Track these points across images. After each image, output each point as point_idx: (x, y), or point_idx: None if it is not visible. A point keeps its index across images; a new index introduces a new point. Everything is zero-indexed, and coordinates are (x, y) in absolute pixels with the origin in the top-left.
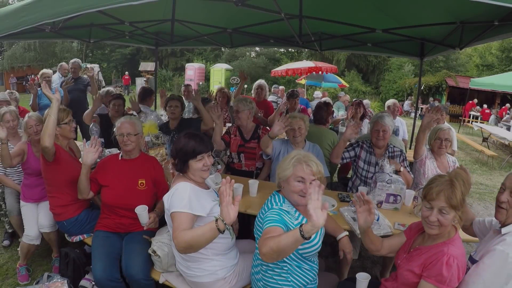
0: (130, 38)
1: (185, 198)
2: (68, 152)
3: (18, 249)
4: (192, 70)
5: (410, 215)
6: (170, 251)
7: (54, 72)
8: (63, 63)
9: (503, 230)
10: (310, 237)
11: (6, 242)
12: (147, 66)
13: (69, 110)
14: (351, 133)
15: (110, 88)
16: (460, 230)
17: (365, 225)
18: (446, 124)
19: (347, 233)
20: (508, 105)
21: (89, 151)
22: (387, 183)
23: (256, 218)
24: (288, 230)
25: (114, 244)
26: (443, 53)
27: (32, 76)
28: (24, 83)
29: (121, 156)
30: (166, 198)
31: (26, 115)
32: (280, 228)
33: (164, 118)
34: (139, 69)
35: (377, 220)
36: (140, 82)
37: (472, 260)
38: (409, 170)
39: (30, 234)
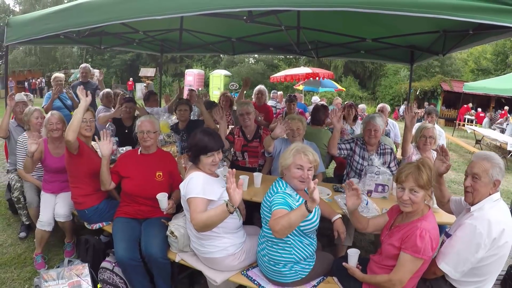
0: (138, 45)
1: (199, 185)
2: (90, 148)
3: (35, 239)
4: (192, 76)
5: (397, 203)
6: (186, 233)
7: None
8: (99, 75)
9: (472, 208)
10: (312, 210)
11: (22, 234)
12: (147, 71)
13: (92, 110)
14: (337, 121)
15: (110, 90)
16: (437, 212)
17: (352, 207)
18: (433, 124)
19: (340, 215)
20: (507, 108)
21: (103, 144)
22: (376, 174)
23: (264, 199)
24: (291, 210)
25: (134, 228)
26: (429, 59)
27: (33, 80)
28: (26, 87)
29: (140, 151)
30: (182, 186)
31: (49, 113)
32: (285, 209)
33: None
34: (139, 74)
35: (366, 204)
36: (140, 88)
37: (447, 235)
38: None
39: (43, 220)
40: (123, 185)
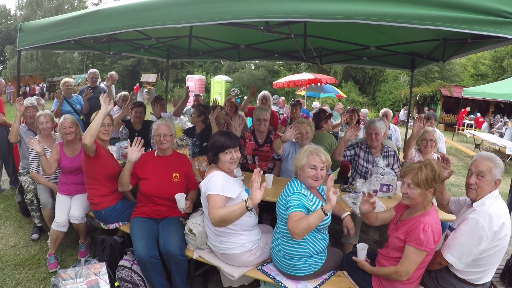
0: (145, 50)
1: (218, 183)
2: (107, 151)
3: (48, 241)
4: (193, 82)
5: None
6: (203, 231)
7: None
8: (113, 73)
9: (475, 204)
10: (328, 213)
11: (35, 236)
12: (149, 77)
13: (111, 115)
14: (351, 135)
15: (127, 93)
16: (437, 210)
17: (364, 212)
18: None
19: (349, 213)
20: None
21: (133, 150)
22: (381, 175)
23: (279, 197)
24: (307, 211)
25: (152, 227)
26: (429, 65)
27: (32, 85)
28: (28, 92)
29: (157, 153)
30: (203, 183)
31: (62, 117)
32: (302, 212)
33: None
34: (141, 80)
35: None
36: (141, 93)
37: (451, 229)
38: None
39: (59, 221)
40: (141, 186)
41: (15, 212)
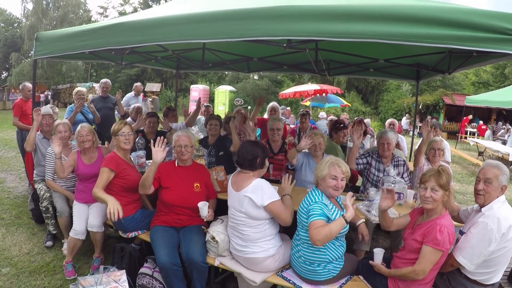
0: (156, 61)
1: (271, 189)
2: (127, 161)
3: (62, 248)
4: (197, 92)
5: (411, 209)
6: (225, 238)
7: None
8: (138, 84)
9: (483, 209)
10: (348, 222)
11: (49, 243)
12: (153, 86)
13: (129, 124)
14: (358, 137)
15: (140, 105)
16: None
17: (385, 208)
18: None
19: (364, 220)
20: None
21: (157, 151)
22: (392, 183)
23: (301, 205)
24: (327, 219)
25: (172, 236)
26: (435, 77)
27: (38, 93)
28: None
29: (177, 163)
30: (251, 193)
31: (79, 125)
32: (323, 220)
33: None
34: (145, 89)
35: None
36: (145, 103)
37: (461, 232)
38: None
39: (77, 229)
40: (162, 195)
41: (27, 219)
